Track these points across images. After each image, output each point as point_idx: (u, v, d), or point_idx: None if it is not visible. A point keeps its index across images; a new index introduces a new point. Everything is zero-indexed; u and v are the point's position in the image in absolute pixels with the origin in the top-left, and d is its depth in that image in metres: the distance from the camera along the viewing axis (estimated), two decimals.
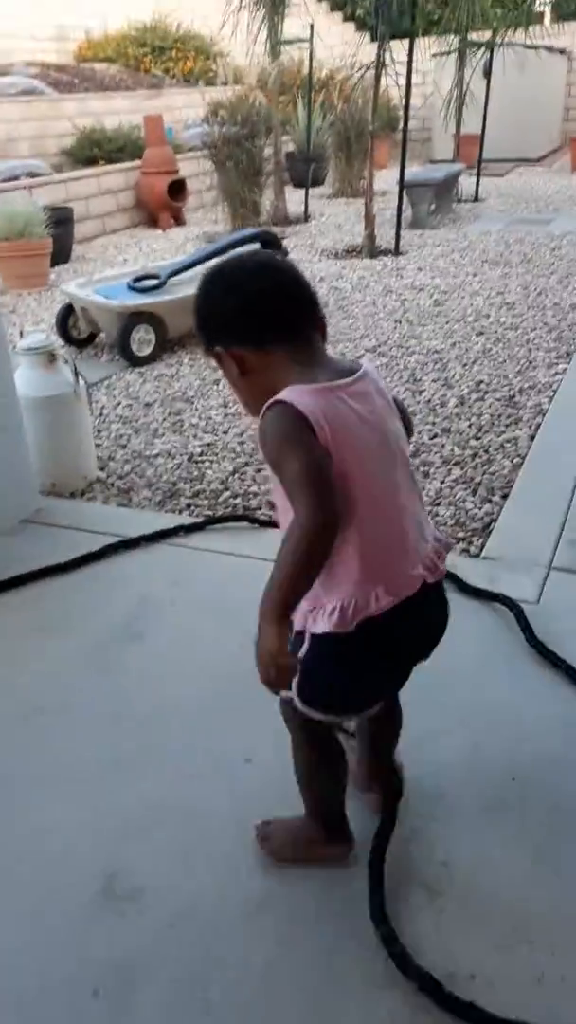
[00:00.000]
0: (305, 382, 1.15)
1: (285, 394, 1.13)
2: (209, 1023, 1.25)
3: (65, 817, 1.62)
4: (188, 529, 2.61)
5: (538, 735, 1.75)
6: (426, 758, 1.67)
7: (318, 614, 1.20)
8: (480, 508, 2.75)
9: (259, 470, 3.08)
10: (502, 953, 1.32)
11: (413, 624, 1.25)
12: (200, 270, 4.72)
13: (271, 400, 1.14)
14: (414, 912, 1.38)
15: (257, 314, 1.20)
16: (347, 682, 1.25)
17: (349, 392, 1.17)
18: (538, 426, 3.37)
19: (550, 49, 11.78)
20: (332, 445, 1.12)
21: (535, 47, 10.22)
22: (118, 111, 9.56)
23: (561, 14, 13.43)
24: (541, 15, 13.15)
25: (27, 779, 1.72)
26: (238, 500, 2.89)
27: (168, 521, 2.68)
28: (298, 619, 1.21)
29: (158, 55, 12.22)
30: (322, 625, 1.19)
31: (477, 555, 2.47)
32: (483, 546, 2.51)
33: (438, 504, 2.80)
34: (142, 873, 1.48)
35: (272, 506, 1.15)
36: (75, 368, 2.95)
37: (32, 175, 7.61)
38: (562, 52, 12.91)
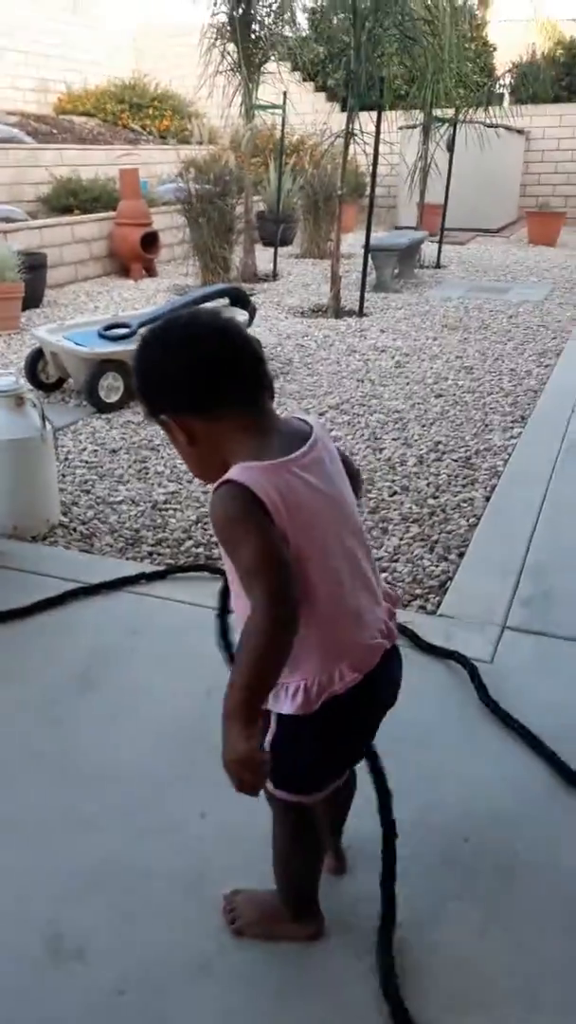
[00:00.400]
0: (258, 455, 1.11)
1: (237, 473, 1.07)
2: None
3: (10, 872, 1.59)
4: (150, 577, 2.62)
5: (490, 794, 1.78)
6: (378, 818, 1.68)
7: (280, 692, 1.15)
8: (437, 566, 2.82)
9: None
10: (456, 1016, 1.32)
11: (375, 692, 1.23)
12: None
13: (222, 479, 1.08)
14: (368, 976, 1.37)
15: (208, 380, 1.12)
16: (315, 761, 1.23)
17: (301, 464, 1.12)
18: (493, 487, 3.47)
19: (509, 128, 12.41)
20: (288, 526, 1.08)
21: (495, 126, 10.76)
22: (95, 163, 9.76)
23: (519, 98, 14.21)
24: (501, 97, 13.91)
25: None
26: (201, 549, 2.92)
27: (130, 568, 2.70)
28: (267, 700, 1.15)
29: (136, 112, 12.56)
30: (286, 706, 1.15)
31: (433, 612, 2.52)
32: (439, 603, 2.57)
33: (396, 560, 2.86)
34: (89, 932, 1.46)
35: None
36: (43, 412, 2.97)
37: (7, 220, 7.70)
38: (520, 132, 13.61)
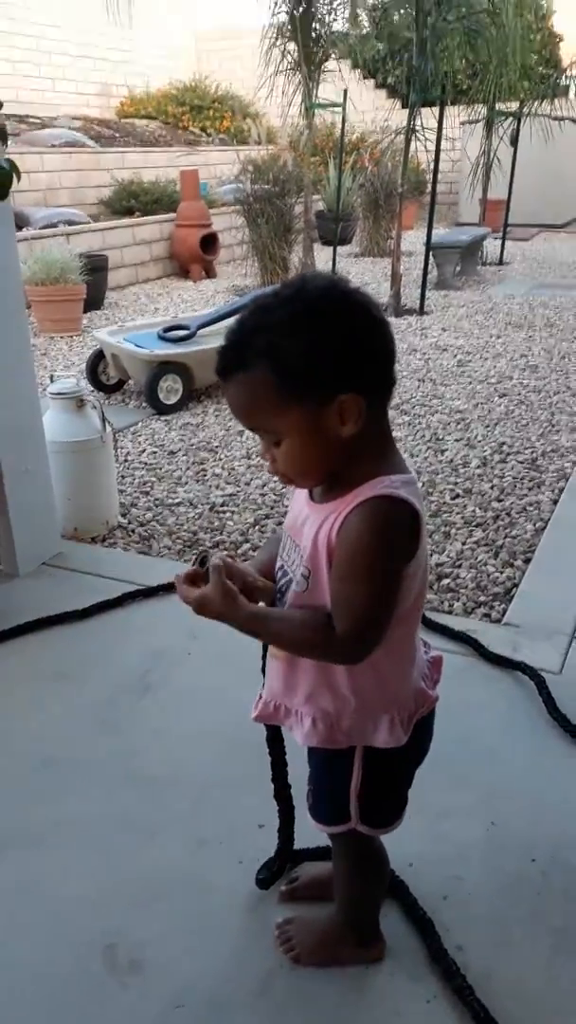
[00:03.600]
0: (400, 463, 1.01)
1: (398, 488, 0.96)
2: None
3: (67, 879, 1.57)
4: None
5: (559, 812, 1.70)
6: (442, 836, 1.62)
7: (373, 726, 1.11)
8: (501, 572, 2.73)
9: (280, 522, 3.07)
10: None
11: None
12: (230, 323, 4.81)
13: (382, 493, 0.95)
14: (427, 1001, 1.32)
15: (391, 354, 0.99)
16: (405, 788, 1.23)
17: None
18: (561, 490, 3.36)
19: (575, 121, 12.08)
20: (420, 545, 1.00)
21: (561, 118, 10.49)
22: (156, 165, 9.87)
23: None
24: (567, 89, 13.56)
25: (29, 834, 1.68)
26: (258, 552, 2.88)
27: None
28: (352, 735, 1.12)
29: (196, 114, 12.66)
30: (380, 740, 1.11)
31: (498, 621, 2.44)
32: (504, 612, 2.48)
33: (459, 566, 2.78)
34: (146, 944, 1.43)
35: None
36: (103, 414, 2.98)
37: (70, 223, 7.83)
38: None
